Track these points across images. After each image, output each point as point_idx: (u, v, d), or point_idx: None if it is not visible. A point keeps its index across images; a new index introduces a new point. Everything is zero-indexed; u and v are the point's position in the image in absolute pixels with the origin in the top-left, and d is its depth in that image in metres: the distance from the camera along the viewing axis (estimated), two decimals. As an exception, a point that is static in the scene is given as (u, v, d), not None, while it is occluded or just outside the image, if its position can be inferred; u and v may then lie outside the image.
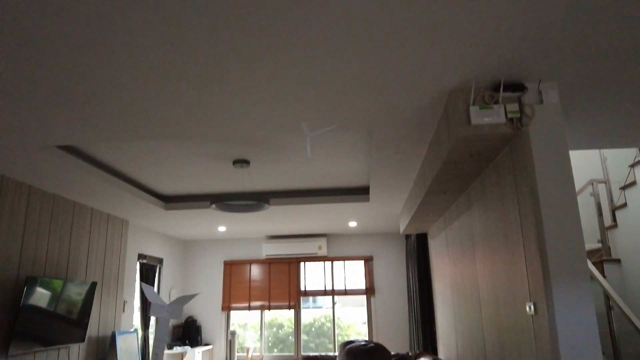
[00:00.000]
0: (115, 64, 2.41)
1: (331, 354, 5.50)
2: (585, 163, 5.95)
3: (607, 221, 5.34)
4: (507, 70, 2.54)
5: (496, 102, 2.60)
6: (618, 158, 5.47)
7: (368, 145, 4.25)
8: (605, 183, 5.56)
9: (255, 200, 4.40)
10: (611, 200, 5.44)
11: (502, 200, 3.05)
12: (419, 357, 5.13)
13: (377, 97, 2.85)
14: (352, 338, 5.66)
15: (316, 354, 5.50)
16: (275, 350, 8.44)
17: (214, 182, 5.31)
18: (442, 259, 5.47)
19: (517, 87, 2.63)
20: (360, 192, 5.82)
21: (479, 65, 2.47)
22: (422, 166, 4.21)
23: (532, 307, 2.55)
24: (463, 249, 4.29)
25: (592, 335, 2.30)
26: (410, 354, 4.89)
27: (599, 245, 5.33)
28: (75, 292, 5.11)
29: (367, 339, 7.69)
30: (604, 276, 4.86)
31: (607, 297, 4.33)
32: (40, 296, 4.59)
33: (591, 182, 5.49)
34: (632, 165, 4.92)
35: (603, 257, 5.12)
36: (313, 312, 8.88)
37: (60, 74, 2.51)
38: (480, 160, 3.10)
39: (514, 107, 2.57)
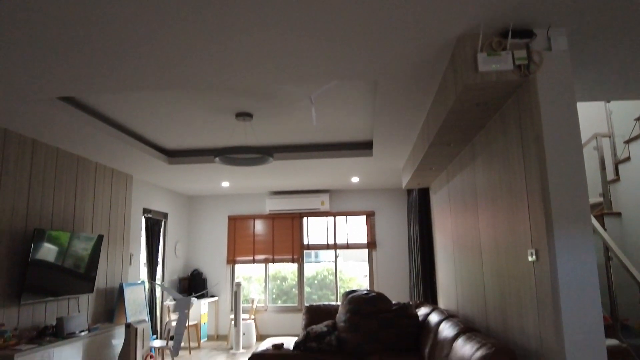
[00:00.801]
0: (113, 11, 2.36)
1: (334, 303, 5.65)
2: (589, 117, 5.90)
3: (610, 175, 5.35)
4: (516, 15, 2.48)
5: (504, 49, 2.56)
6: (623, 112, 5.42)
7: (372, 98, 4.21)
8: (610, 137, 5.54)
9: (259, 154, 4.41)
10: (615, 154, 5.43)
11: (506, 150, 3.04)
12: (420, 307, 5.27)
13: (382, 44, 2.80)
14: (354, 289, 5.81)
15: (319, 303, 5.65)
16: (279, 301, 8.67)
17: (217, 136, 5.30)
18: (443, 213, 5.52)
19: (525, 33, 2.57)
20: (363, 147, 5.82)
21: (488, 10, 2.41)
22: (426, 118, 4.19)
23: (533, 254, 2.59)
24: (465, 201, 4.33)
25: (592, 281, 2.34)
26: (411, 303, 5.02)
27: (601, 199, 5.37)
28: (82, 247, 5.19)
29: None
30: (604, 229, 4.92)
31: (607, 248, 4.40)
32: (48, 251, 4.67)
33: (595, 136, 5.46)
34: (638, 119, 4.88)
35: (604, 211, 5.16)
36: (315, 267, 9.07)
37: (58, 24, 2.46)
38: (486, 110, 3.08)
39: (522, 53, 2.53)
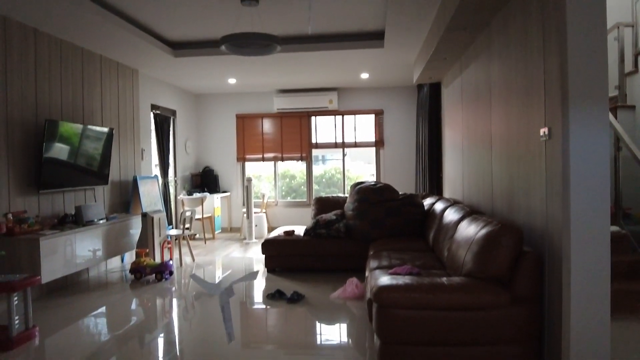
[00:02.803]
0: None
1: (342, 195, 5.81)
2: (613, 6, 5.58)
3: (628, 67, 5.19)
4: None
5: None
6: (651, -1, 5.12)
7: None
8: (633, 27, 5.28)
9: (266, 40, 4.26)
10: (636, 45, 5.22)
11: (525, 29, 2.92)
12: (425, 198, 5.40)
13: None
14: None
15: (328, 195, 5.81)
16: (289, 198, 8.92)
17: (222, 26, 5.11)
18: (454, 106, 5.46)
19: None
20: (374, 37, 5.60)
21: None
22: (442, 1, 3.98)
23: (546, 132, 2.58)
24: (478, 91, 4.25)
25: (602, 159, 2.33)
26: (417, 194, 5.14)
27: (616, 92, 5.25)
28: (93, 146, 5.21)
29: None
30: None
31: (617, 139, 4.37)
32: (60, 150, 4.70)
33: (617, 26, 5.22)
34: (666, 4, 4.62)
35: (618, 104, 5.07)
36: (323, 166, 9.20)
37: None
38: (507, -14, 2.91)
39: None
